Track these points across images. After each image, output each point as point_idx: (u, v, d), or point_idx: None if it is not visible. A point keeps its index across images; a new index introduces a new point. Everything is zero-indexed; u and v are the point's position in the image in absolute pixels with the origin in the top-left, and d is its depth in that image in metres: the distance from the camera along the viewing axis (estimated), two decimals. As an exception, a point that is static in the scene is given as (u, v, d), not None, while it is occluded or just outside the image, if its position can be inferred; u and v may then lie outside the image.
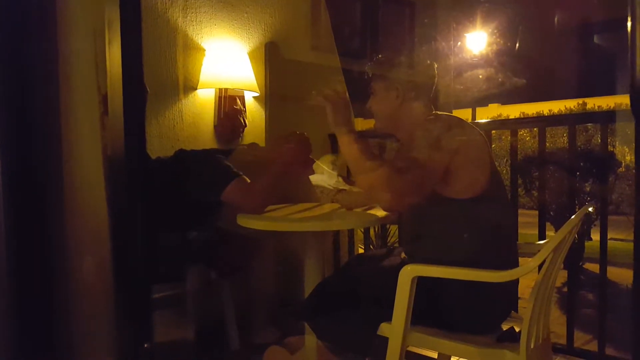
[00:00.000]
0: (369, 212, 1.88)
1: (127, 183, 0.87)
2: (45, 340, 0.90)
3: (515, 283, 1.58)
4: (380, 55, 1.77)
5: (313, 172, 2.13)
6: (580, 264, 4.61)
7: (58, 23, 0.86)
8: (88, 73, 0.90)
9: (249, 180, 1.91)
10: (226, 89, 2.66)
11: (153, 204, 0.99)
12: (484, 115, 11.75)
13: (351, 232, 3.19)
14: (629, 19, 1.34)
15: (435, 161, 1.49)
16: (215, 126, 2.70)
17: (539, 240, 2.18)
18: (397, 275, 1.42)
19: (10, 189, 0.83)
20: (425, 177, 1.50)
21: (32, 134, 0.87)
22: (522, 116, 11.64)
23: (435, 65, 1.76)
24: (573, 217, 1.34)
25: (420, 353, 2.19)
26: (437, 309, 1.49)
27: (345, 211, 1.93)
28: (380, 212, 1.82)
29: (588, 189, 4.71)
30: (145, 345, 0.96)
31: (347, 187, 2.06)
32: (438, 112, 1.70)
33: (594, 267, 4.30)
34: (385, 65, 1.74)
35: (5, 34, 0.81)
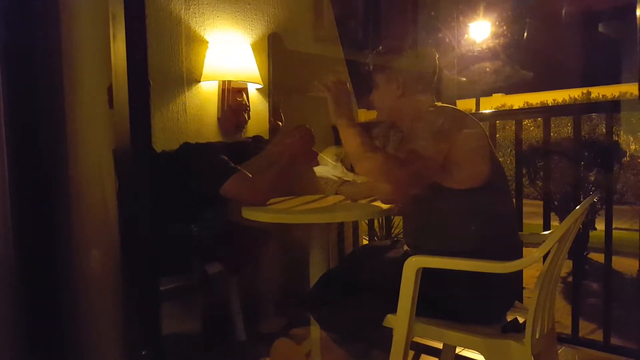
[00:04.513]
0: (373, 203, 1.88)
1: (134, 177, 0.87)
2: (53, 332, 0.90)
3: (519, 273, 1.58)
4: (380, 47, 1.77)
5: (318, 164, 2.13)
6: (585, 253, 4.60)
7: (61, 16, 0.86)
8: (92, 65, 0.90)
9: (249, 175, 1.92)
10: (229, 81, 2.65)
11: (159, 198, 1.00)
12: (488, 105, 11.71)
13: (355, 224, 3.20)
14: (638, 7, 1.33)
15: (434, 152, 1.49)
16: (218, 118, 2.70)
17: (544, 230, 2.18)
18: (401, 267, 1.42)
19: (16, 182, 0.83)
20: (425, 168, 1.51)
21: (37, 127, 0.87)
22: (526, 106, 11.61)
23: (437, 56, 1.75)
24: (578, 207, 1.34)
25: (426, 344, 2.20)
26: (441, 300, 1.50)
27: (350, 203, 1.93)
28: (384, 204, 1.82)
29: (593, 178, 4.69)
30: (144, 353, 0.96)
31: (351, 178, 2.06)
32: (439, 103, 1.70)
33: (598, 257, 4.29)
34: (386, 57, 1.73)
35: (8, 26, 0.81)
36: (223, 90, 2.67)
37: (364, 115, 3.76)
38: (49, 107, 0.87)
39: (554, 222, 2.41)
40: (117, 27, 0.82)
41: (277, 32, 2.97)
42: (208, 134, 2.65)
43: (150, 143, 1.86)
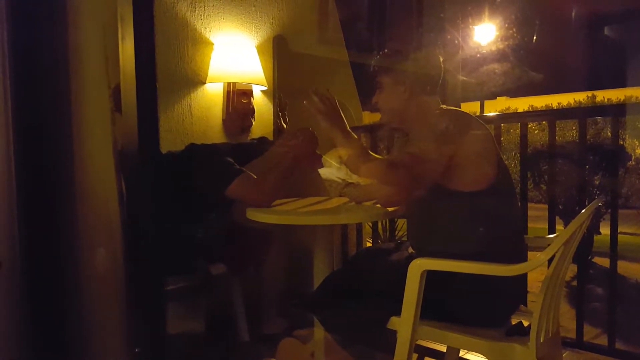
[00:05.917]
0: (377, 205, 1.87)
1: (141, 178, 0.88)
2: (57, 332, 0.91)
3: (524, 277, 1.57)
4: (386, 50, 1.77)
5: (322, 166, 2.13)
6: (590, 258, 4.58)
7: (69, 18, 0.86)
8: (99, 67, 0.90)
9: (254, 176, 1.92)
10: (234, 83, 2.66)
11: (165, 199, 1.00)
12: (492, 108, 11.69)
13: (359, 226, 3.19)
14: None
15: (440, 155, 1.49)
16: (223, 120, 2.70)
17: (549, 234, 2.17)
18: (405, 269, 1.42)
19: (22, 181, 0.84)
20: (430, 171, 1.51)
21: (43, 127, 0.88)
22: (530, 109, 11.58)
23: (441, 58, 1.75)
24: (583, 211, 1.34)
25: (429, 346, 2.20)
26: (446, 303, 1.49)
27: (354, 205, 1.93)
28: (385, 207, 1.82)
29: (598, 182, 4.67)
30: (137, 350, 0.96)
31: (355, 180, 2.06)
32: (445, 106, 1.69)
33: (603, 261, 4.28)
34: (391, 60, 1.73)
35: (15, 27, 0.82)
36: (228, 92, 2.67)
37: (367, 118, 3.76)
38: (55, 107, 0.87)
39: (559, 226, 2.40)
40: (125, 29, 0.82)
41: (282, 34, 2.97)
42: (213, 136, 2.65)
43: (158, 145, 1.86)
